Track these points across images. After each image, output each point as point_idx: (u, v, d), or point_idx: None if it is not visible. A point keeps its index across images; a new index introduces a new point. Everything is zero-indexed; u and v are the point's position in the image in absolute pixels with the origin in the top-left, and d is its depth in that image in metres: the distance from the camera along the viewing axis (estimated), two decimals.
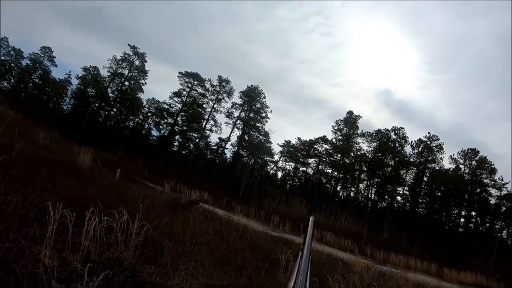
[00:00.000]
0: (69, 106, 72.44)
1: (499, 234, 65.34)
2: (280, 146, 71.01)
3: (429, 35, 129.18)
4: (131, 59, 66.87)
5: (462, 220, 67.27)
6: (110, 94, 66.54)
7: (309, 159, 71.30)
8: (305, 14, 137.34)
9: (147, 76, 67.79)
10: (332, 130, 71.98)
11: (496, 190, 63.82)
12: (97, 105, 65.85)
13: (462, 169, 65.95)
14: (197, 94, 68.28)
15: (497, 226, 66.22)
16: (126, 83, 66.67)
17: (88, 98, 65.62)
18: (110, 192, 11.86)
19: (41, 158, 14.96)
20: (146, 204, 10.36)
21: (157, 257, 7.29)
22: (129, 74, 66.48)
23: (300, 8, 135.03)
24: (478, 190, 64.46)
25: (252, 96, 67.88)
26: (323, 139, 70.57)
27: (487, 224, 66.24)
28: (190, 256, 8.12)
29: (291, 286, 0.85)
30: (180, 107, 67.02)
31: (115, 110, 68.51)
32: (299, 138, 71.30)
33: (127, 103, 65.97)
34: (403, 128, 69.07)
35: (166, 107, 67.72)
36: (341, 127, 71.53)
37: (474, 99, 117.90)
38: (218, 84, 68.01)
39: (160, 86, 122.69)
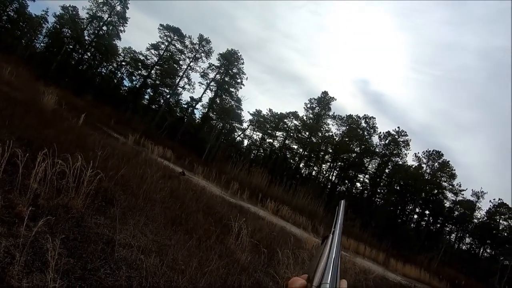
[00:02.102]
0: (42, 44, 69.29)
1: (447, 237, 67.82)
2: (251, 114, 70.73)
3: (419, 34, 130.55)
4: (112, 3, 63.59)
5: (415, 216, 69.29)
6: (86, 37, 63.31)
7: (277, 132, 71.25)
8: None
9: (126, 23, 65.02)
10: (304, 107, 71.90)
11: (452, 195, 66.08)
12: (71, 47, 63.08)
13: (424, 168, 67.39)
14: (175, 50, 66.43)
15: (447, 229, 68.68)
16: (104, 28, 63.56)
17: (62, 38, 62.65)
18: (69, 137, 11.48)
19: (2, 94, 14.47)
20: (105, 153, 10.10)
21: (107, 208, 7.11)
22: (109, 18, 63.41)
23: None
24: (436, 191, 66.26)
25: (230, 60, 66.87)
26: (294, 115, 70.52)
27: (438, 225, 68.43)
28: (142, 211, 8.01)
29: (318, 275, 0.76)
30: (156, 60, 65.07)
31: (89, 55, 65.65)
32: (270, 110, 71.07)
33: (102, 49, 63.20)
34: (374, 118, 69.78)
35: (141, 58, 65.44)
36: (314, 105, 71.49)
37: (448, 106, 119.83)
38: (198, 42, 66.31)
39: (138, 36, 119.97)
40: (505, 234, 63.12)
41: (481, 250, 67.28)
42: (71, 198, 6.24)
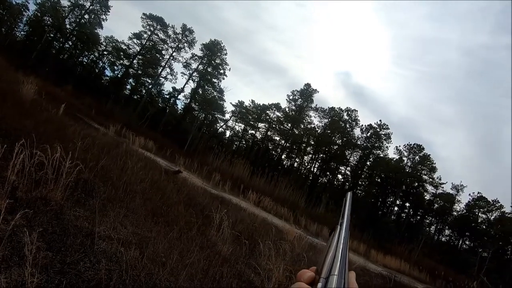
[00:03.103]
0: (22, 33, 67.79)
1: (427, 228, 69.07)
2: (233, 105, 70.77)
3: (402, 29, 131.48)
4: None
5: (396, 208, 70.31)
6: (68, 26, 62.13)
7: (259, 123, 71.34)
8: None
9: (109, 12, 63.90)
10: (286, 99, 72.30)
11: (433, 188, 67.53)
12: (52, 35, 61.83)
13: (405, 161, 68.32)
14: (157, 39, 65.76)
15: (427, 221, 69.94)
16: (86, 16, 62.40)
17: (43, 27, 61.30)
18: (48, 127, 11.30)
19: None
20: (85, 144, 9.99)
21: (87, 200, 7.03)
22: (91, 7, 62.26)
23: None
24: (416, 184, 67.25)
25: (213, 50, 66.53)
26: (277, 106, 70.75)
27: (418, 217, 69.53)
28: (122, 203, 7.92)
29: (326, 267, 0.76)
30: (138, 50, 64.46)
31: (70, 44, 64.46)
32: (253, 101, 71.21)
33: (84, 38, 62.02)
34: (357, 111, 70.52)
35: (123, 48, 64.77)
36: (296, 97, 71.78)
37: (429, 100, 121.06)
38: (181, 32, 65.85)
39: (121, 25, 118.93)
40: (484, 226, 64.70)
41: (460, 242, 68.79)
42: (50, 190, 6.15)
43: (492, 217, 64.82)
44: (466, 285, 31.67)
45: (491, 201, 65.04)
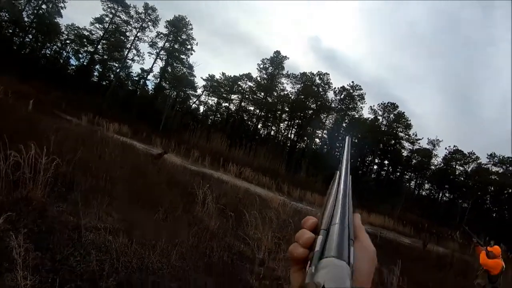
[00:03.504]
0: None
1: (407, 184, 70.46)
2: (204, 80, 69.68)
3: None
4: None
5: (375, 167, 71.19)
6: (26, 19, 59.66)
7: (232, 95, 71.00)
8: None
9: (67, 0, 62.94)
10: (257, 68, 71.56)
11: (409, 144, 68.69)
12: (10, 31, 60.16)
13: (380, 120, 68.94)
14: (120, 21, 63.41)
15: (406, 177, 71.39)
16: (44, 6, 60.23)
17: (0, 23, 59.97)
18: (19, 126, 11.12)
19: None
20: (59, 138, 9.88)
21: (68, 194, 7.00)
22: None
23: None
24: (393, 141, 68.14)
25: (178, 26, 65.30)
26: (248, 77, 70.23)
27: (398, 174, 70.80)
28: (104, 191, 7.89)
29: (327, 216, 0.73)
30: (102, 35, 62.09)
31: (31, 37, 61.69)
32: (223, 74, 70.33)
33: (44, 29, 59.59)
34: (328, 74, 70.34)
35: (86, 34, 61.95)
36: (267, 66, 71.25)
37: (399, 59, 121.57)
38: (143, 11, 64.13)
39: (80, 11, 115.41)
40: (462, 178, 66.50)
41: (440, 195, 70.65)
42: (30, 189, 6.11)
43: (469, 169, 66.68)
44: (449, 235, 32.55)
45: (467, 153, 66.73)
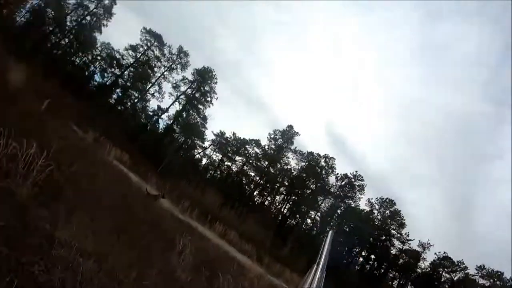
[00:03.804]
0: (22, 19, 67.31)
1: (390, 282, 69.29)
2: (214, 134, 70.14)
3: (391, 85, 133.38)
4: None
5: (361, 259, 70.28)
6: (68, 23, 61.22)
7: (237, 156, 71.19)
8: (282, 21, 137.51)
9: (111, 18, 62.87)
10: (267, 137, 72.20)
11: (400, 243, 67.79)
12: (51, 29, 61.48)
13: (375, 214, 68.64)
14: (152, 56, 65.03)
15: (391, 275, 70.20)
16: (88, 17, 61.81)
17: (44, 18, 61.20)
18: (28, 121, 11.04)
19: None
20: (61, 145, 9.79)
21: (53, 202, 6.80)
22: (94, 9, 61.74)
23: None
24: (384, 237, 67.54)
25: (204, 77, 66.56)
26: (257, 143, 70.73)
27: (382, 270, 69.74)
28: (88, 212, 7.66)
29: None
30: (132, 62, 63.87)
31: (67, 41, 63.28)
32: (234, 133, 70.84)
33: (81, 38, 61.33)
34: (334, 159, 70.74)
35: (117, 57, 63.73)
36: (277, 137, 71.91)
37: (405, 157, 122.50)
38: (176, 53, 65.63)
39: (119, 33, 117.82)
40: (446, 286, 65.21)
41: None
42: (18, 184, 5.95)
43: (456, 277, 65.73)
44: None
45: (456, 261, 65.98)
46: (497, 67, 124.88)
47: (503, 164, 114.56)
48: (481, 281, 63.46)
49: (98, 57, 64.23)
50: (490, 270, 63.30)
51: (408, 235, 67.68)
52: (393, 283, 71.22)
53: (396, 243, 68.61)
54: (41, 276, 4.34)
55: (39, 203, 6.31)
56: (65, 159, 9.48)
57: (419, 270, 68.34)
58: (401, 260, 68.66)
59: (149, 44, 64.30)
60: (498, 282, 62.15)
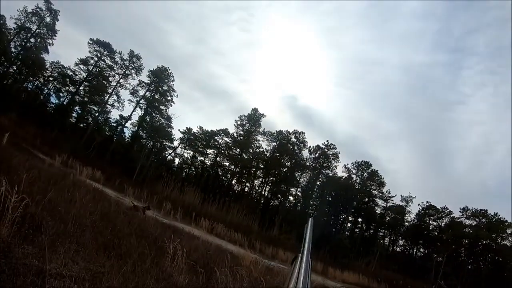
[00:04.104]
0: None
1: (381, 241, 71.00)
2: (181, 132, 70.16)
3: (344, 50, 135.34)
4: (42, 14, 60.18)
5: (349, 225, 71.57)
6: (13, 49, 59.38)
7: (208, 150, 71.20)
8: (231, 6, 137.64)
9: (55, 36, 61.20)
10: (234, 124, 72.68)
11: (383, 201, 69.72)
12: None
13: (354, 179, 69.77)
14: (104, 66, 64.19)
15: (381, 234, 71.91)
16: (32, 40, 60.15)
17: None
18: None
19: None
20: (31, 176, 9.64)
21: (35, 236, 6.72)
22: (37, 30, 59.71)
23: None
24: (367, 199, 68.87)
25: (160, 77, 66.03)
26: (225, 132, 70.91)
27: (371, 231, 71.27)
28: (72, 237, 7.61)
29: None
30: (85, 76, 62.42)
31: (15, 68, 61.28)
32: (200, 127, 71.02)
33: (29, 62, 59.10)
34: (304, 133, 71.82)
35: (70, 74, 62.23)
36: (244, 122, 72.23)
37: (372, 118, 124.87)
38: (128, 58, 64.74)
39: (67, 50, 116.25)
40: (435, 233, 67.61)
41: (415, 250, 71.36)
42: None
43: (443, 223, 68.13)
44: None
45: (440, 208, 68.06)
46: (446, 16, 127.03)
47: (467, 109, 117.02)
48: (467, 222, 65.36)
49: (50, 78, 62.83)
50: (473, 210, 65.48)
51: (389, 193, 69.74)
52: (385, 241, 72.78)
53: (380, 202, 70.75)
54: None
55: (21, 240, 6.23)
56: (38, 189, 9.35)
57: (406, 224, 70.23)
58: (388, 218, 70.50)
59: (99, 54, 63.29)
60: (483, 220, 63.89)
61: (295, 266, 0.93)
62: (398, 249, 74.19)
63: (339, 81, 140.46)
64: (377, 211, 71.59)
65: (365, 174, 70.97)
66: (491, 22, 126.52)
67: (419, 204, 70.64)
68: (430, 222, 70.07)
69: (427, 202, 69.88)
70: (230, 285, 8.53)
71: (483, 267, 63.39)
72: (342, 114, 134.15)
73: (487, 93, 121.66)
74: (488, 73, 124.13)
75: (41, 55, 60.74)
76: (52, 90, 64.36)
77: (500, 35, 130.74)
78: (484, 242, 63.77)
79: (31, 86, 64.63)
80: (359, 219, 73.33)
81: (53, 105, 64.51)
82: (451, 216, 68.55)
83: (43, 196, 8.74)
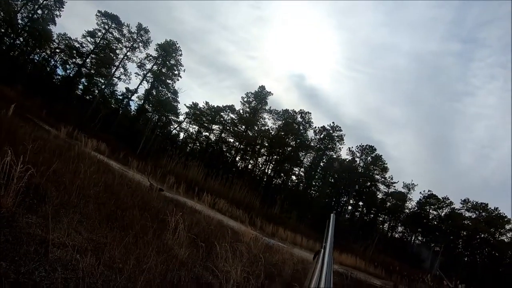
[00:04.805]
0: None
1: (381, 226, 71.37)
2: (187, 107, 70.21)
3: (355, 33, 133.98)
4: None
5: (349, 208, 71.95)
6: (19, 21, 58.40)
7: (213, 125, 71.22)
8: None
9: (63, 8, 60.69)
10: (241, 101, 72.62)
11: (385, 187, 69.97)
12: (2, 31, 58.78)
13: (357, 162, 69.85)
14: (112, 38, 63.86)
15: (380, 219, 72.22)
16: (39, 11, 59.36)
17: None
18: None
19: None
20: (36, 147, 9.72)
21: (39, 206, 6.81)
22: (44, 2, 59.14)
23: None
24: (369, 183, 68.95)
25: (168, 51, 65.77)
26: (231, 108, 70.84)
27: (372, 215, 71.55)
28: (76, 208, 7.73)
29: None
30: (92, 49, 62.18)
31: (22, 40, 60.73)
32: (207, 103, 70.95)
33: (36, 34, 58.81)
34: (310, 113, 71.72)
35: (77, 46, 61.99)
36: (251, 99, 72.12)
37: (380, 103, 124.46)
38: (136, 31, 64.41)
39: (75, 22, 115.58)
40: (435, 222, 68.05)
41: (413, 238, 71.61)
42: (1, 196, 5.95)
43: (443, 213, 68.47)
44: (420, 278, 32.82)
45: (441, 198, 68.36)
46: (460, 6, 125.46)
47: (475, 101, 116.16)
48: (467, 214, 65.72)
49: (57, 50, 62.46)
50: (474, 202, 65.74)
51: (392, 178, 69.95)
52: (384, 226, 73.20)
53: (382, 187, 71.00)
54: (42, 281, 4.41)
55: (25, 210, 6.32)
56: (43, 160, 9.42)
57: (407, 211, 70.64)
58: (389, 203, 70.88)
59: (106, 27, 62.83)
60: (483, 213, 64.11)
61: (317, 262, 0.98)
62: (396, 236, 74.69)
63: (348, 64, 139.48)
64: (378, 196, 71.94)
65: (369, 158, 71.09)
66: (505, 16, 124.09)
67: (420, 192, 71.08)
68: (430, 211, 70.34)
69: (428, 191, 70.33)
70: (229, 260, 8.63)
71: (480, 260, 63.98)
72: (349, 97, 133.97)
73: (497, 86, 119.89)
74: (499, 66, 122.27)
75: (48, 27, 60.36)
76: (58, 62, 64.08)
77: None
78: (482, 235, 64.34)
79: (37, 58, 64.32)
80: (360, 203, 73.68)
81: (59, 77, 64.40)
82: (452, 207, 68.84)
83: (47, 167, 8.81)
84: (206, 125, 71.32)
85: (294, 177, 72.98)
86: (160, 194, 18.04)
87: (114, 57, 63.96)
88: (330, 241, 1.04)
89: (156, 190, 17.74)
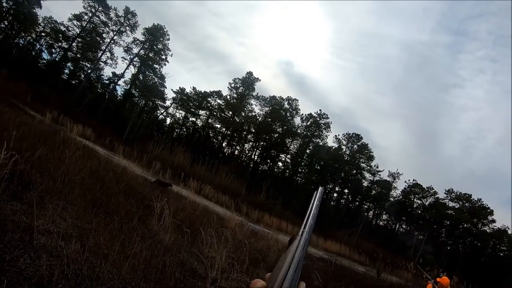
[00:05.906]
0: None
1: (365, 214, 72.05)
2: (174, 92, 69.83)
3: (345, 21, 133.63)
4: None
5: (335, 195, 72.34)
6: (4, 4, 57.41)
7: (200, 111, 71.02)
8: None
9: None
10: (228, 87, 72.44)
11: (370, 175, 70.34)
12: None
13: (344, 150, 70.20)
14: (98, 22, 62.63)
15: (365, 206, 73.00)
16: None
17: None
18: None
19: None
20: (20, 133, 9.68)
21: (24, 193, 6.82)
22: None
23: None
24: (355, 171, 69.42)
25: (155, 35, 65.17)
26: (218, 94, 70.65)
27: (357, 203, 72.19)
28: (61, 194, 7.75)
29: (279, 278, 0.72)
30: (78, 32, 61.07)
31: (6, 23, 59.51)
32: (194, 88, 70.63)
33: (21, 17, 57.93)
34: (297, 100, 71.75)
35: (62, 30, 60.74)
36: (238, 85, 71.98)
37: (368, 92, 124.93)
38: (123, 15, 63.52)
39: (61, 5, 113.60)
40: (419, 211, 68.98)
41: (397, 226, 72.54)
42: None
43: (427, 203, 69.38)
44: (404, 265, 33.30)
45: (425, 187, 69.22)
46: None
47: (462, 93, 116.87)
48: (451, 204, 66.64)
49: (43, 34, 61.50)
50: (458, 193, 66.71)
51: (377, 167, 70.81)
52: (369, 214, 74.03)
53: (367, 175, 71.90)
54: (28, 268, 4.44)
55: (10, 197, 6.32)
56: (27, 146, 9.40)
57: (391, 199, 71.52)
58: (374, 191, 71.49)
59: (93, 10, 61.90)
60: (466, 204, 65.06)
61: (291, 248, 0.96)
62: (381, 223, 76.22)
63: (337, 52, 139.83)
64: (364, 184, 72.86)
65: (355, 146, 71.75)
66: (496, 11, 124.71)
67: (405, 181, 72.42)
68: (415, 200, 71.73)
69: (413, 180, 71.50)
70: (214, 246, 8.69)
71: (462, 250, 65.31)
72: (337, 85, 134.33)
73: (484, 80, 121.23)
74: (488, 60, 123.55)
75: (34, 10, 59.39)
76: (44, 46, 63.13)
77: (504, 25, 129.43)
78: (465, 225, 66.00)
79: (22, 42, 63.28)
80: (346, 190, 74.43)
81: (45, 61, 63.49)
82: (436, 196, 70.31)
83: (32, 153, 8.79)
84: (193, 110, 71.11)
85: (280, 164, 73.53)
86: (145, 179, 18.07)
87: (101, 41, 63.20)
88: (310, 225, 0.96)
89: (171, 185, 17.81)
